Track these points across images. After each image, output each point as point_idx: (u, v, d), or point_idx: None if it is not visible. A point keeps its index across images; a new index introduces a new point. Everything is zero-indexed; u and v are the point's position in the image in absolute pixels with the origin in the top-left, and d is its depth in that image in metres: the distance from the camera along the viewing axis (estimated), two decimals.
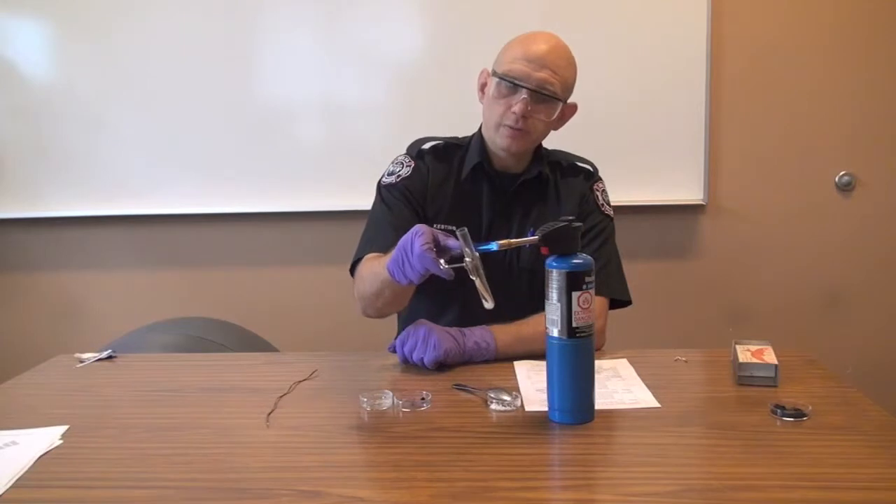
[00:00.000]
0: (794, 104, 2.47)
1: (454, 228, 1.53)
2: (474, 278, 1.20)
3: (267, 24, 2.45)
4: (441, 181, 1.59)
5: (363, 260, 1.51)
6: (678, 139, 2.44)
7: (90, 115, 2.50)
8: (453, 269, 1.22)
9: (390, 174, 1.60)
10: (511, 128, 1.48)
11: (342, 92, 2.46)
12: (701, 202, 2.48)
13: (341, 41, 2.44)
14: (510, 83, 1.46)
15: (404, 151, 1.64)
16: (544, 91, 1.46)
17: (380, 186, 1.61)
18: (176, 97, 2.48)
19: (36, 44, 2.50)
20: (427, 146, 1.62)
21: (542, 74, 1.46)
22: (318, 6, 2.43)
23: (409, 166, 1.59)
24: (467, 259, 1.20)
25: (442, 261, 1.22)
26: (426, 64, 2.44)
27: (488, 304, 1.20)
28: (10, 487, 0.96)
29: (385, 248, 1.44)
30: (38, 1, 2.47)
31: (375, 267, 1.41)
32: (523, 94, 1.45)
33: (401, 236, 1.40)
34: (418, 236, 1.23)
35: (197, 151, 2.51)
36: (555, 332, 1.11)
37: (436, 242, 1.23)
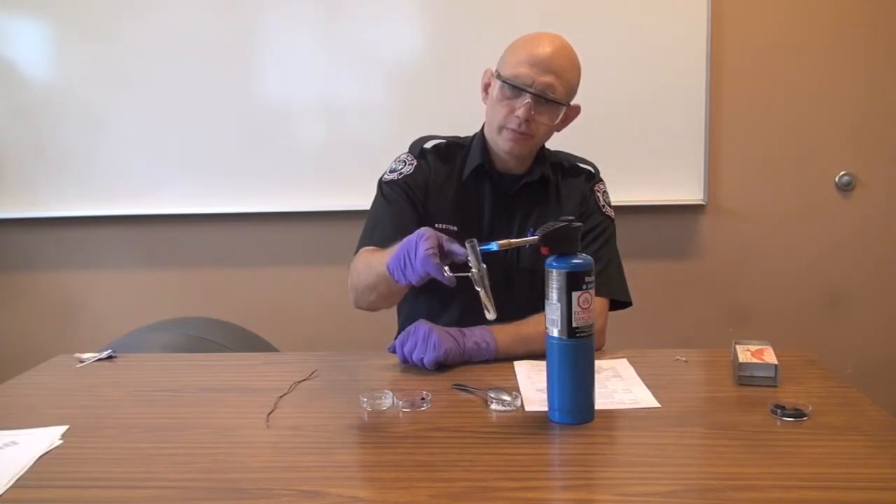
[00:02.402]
0: (794, 104, 2.47)
1: (456, 229, 1.53)
2: (479, 289, 1.19)
3: (267, 24, 2.45)
4: (443, 181, 1.59)
5: (360, 252, 1.51)
6: (678, 139, 2.44)
7: (90, 115, 2.50)
8: (456, 277, 1.21)
9: (392, 171, 1.60)
10: (514, 131, 1.48)
11: (342, 92, 2.47)
12: (701, 202, 2.49)
13: (341, 41, 2.44)
14: (514, 87, 1.46)
15: (406, 150, 1.64)
16: (547, 96, 1.46)
17: (381, 183, 1.61)
18: (176, 97, 2.48)
19: (36, 44, 2.50)
20: (429, 145, 1.62)
21: (546, 79, 1.45)
22: (318, 6, 2.43)
23: (412, 164, 1.59)
24: (473, 270, 1.18)
25: (446, 267, 1.21)
26: (426, 64, 2.44)
27: (490, 315, 1.19)
28: (10, 487, 0.96)
29: (384, 243, 1.44)
30: (38, 1, 2.47)
31: (372, 260, 1.40)
32: (527, 99, 1.45)
33: (400, 232, 1.39)
34: (423, 240, 1.22)
35: (197, 151, 2.51)
36: (555, 332, 1.11)
37: (440, 247, 1.22)
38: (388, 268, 1.29)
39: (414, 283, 1.26)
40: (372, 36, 2.43)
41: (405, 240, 1.26)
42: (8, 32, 2.50)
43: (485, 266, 1.19)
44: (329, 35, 2.45)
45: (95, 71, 2.48)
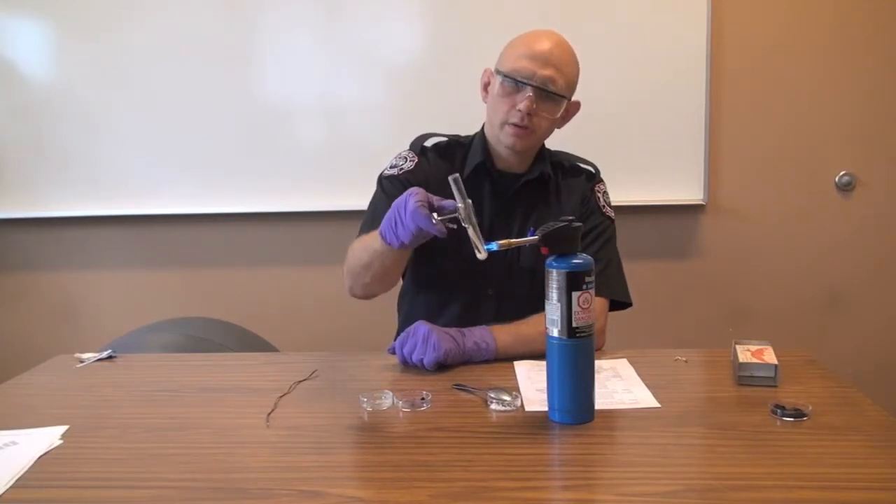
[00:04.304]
0: (794, 104, 2.47)
1: (455, 227, 1.53)
2: (467, 226, 1.19)
3: (267, 24, 2.45)
4: (442, 179, 1.58)
5: (355, 240, 1.52)
6: (678, 139, 2.44)
7: (90, 115, 2.50)
8: (447, 229, 1.21)
9: (392, 167, 1.60)
10: (516, 125, 1.48)
11: (342, 92, 2.46)
12: (701, 202, 2.48)
13: (341, 41, 2.44)
14: (515, 81, 1.47)
15: (407, 147, 1.64)
16: (549, 88, 1.46)
17: (381, 178, 1.61)
18: (176, 97, 2.48)
19: (36, 44, 2.50)
20: (430, 143, 1.62)
21: (547, 72, 1.46)
22: (318, 6, 2.43)
23: (413, 161, 1.59)
24: (460, 206, 1.18)
25: (434, 214, 1.22)
26: (426, 64, 2.44)
27: (481, 255, 1.19)
28: (10, 487, 0.96)
29: None
30: (38, 1, 2.47)
31: (366, 239, 1.41)
32: (528, 92, 1.46)
33: None
34: (412, 195, 1.24)
35: (197, 151, 2.51)
36: (555, 332, 1.11)
37: (430, 205, 1.24)
38: (380, 233, 1.31)
39: (406, 242, 1.27)
40: (372, 36, 2.43)
41: (395, 201, 1.28)
42: (8, 32, 2.49)
43: (470, 201, 1.19)
44: (329, 35, 2.44)
45: (95, 71, 2.48)
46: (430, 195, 1.26)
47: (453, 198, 1.57)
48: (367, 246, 1.40)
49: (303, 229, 2.58)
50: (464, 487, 0.93)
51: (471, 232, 1.19)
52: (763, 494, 0.90)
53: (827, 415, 1.13)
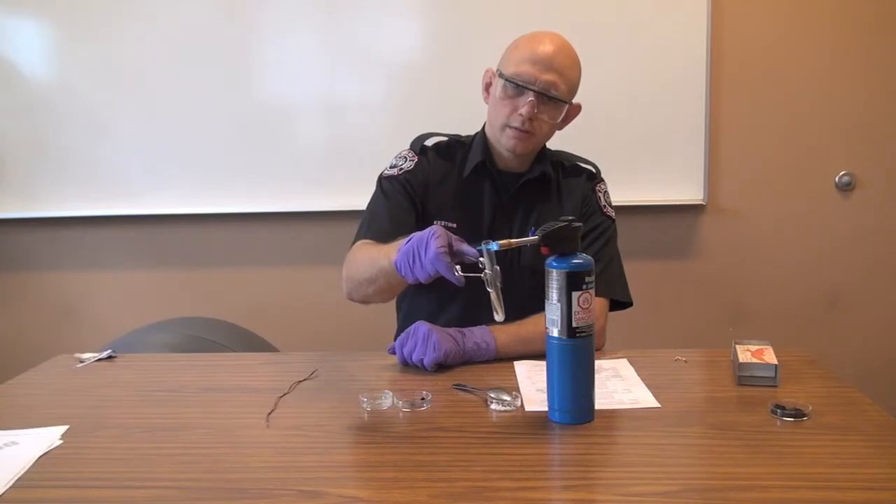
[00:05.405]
0: (794, 104, 2.47)
1: (455, 226, 1.53)
2: (490, 290, 1.18)
3: (267, 24, 2.45)
4: (442, 178, 1.59)
5: (357, 244, 1.50)
6: (678, 139, 2.44)
7: (90, 114, 2.50)
8: (465, 277, 1.19)
9: (392, 167, 1.60)
10: (517, 129, 1.48)
11: (342, 92, 2.46)
12: (701, 202, 2.48)
13: (341, 41, 2.44)
14: (517, 85, 1.47)
15: (408, 147, 1.64)
16: (550, 94, 1.46)
17: (381, 179, 1.61)
18: (176, 97, 2.48)
19: (36, 44, 2.50)
20: (430, 142, 1.62)
21: (549, 77, 1.46)
22: (318, 6, 2.43)
23: (412, 161, 1.59)
24: (488, 272, 1.17)
25: (458, 267, 1.19)
26: (426, 64, 2.44)
27: (499, 317, 1.19)
28: (10, 487, 0.96)
29: (380, 236, 1.44)
30: (38, 1, 2.47)
31: (374, 253, 1.38)
32: (530, 97, 1.45)
33: (397, 226, 1.38)
34: (434, 238, 1.19)
35: (197, 151, 2.51)
36: (555, 332, 1.11)
37: (449, 246, 1.20)
38: (395, 264, 1.27)
39: (422, 280, 1.24)
40: (372, 36, 2.43)
41: (415, 237, 1.24)
42: (8, 32, 2.50)
43: (498, 268, 1.18)
44: (329, 35, 2.44)
45: (95, 71, 2.48)
46: (451, 235, 1.22)
47: (453, 198, 1.59)
48: (375, 262, 1.36)
49: (303, 229, 2.58)
50: (464, 487, 0.93)
51: (493, 296, 1.18)
52: (763, 494, 0.90)
53: (827, 415, 1.13)
